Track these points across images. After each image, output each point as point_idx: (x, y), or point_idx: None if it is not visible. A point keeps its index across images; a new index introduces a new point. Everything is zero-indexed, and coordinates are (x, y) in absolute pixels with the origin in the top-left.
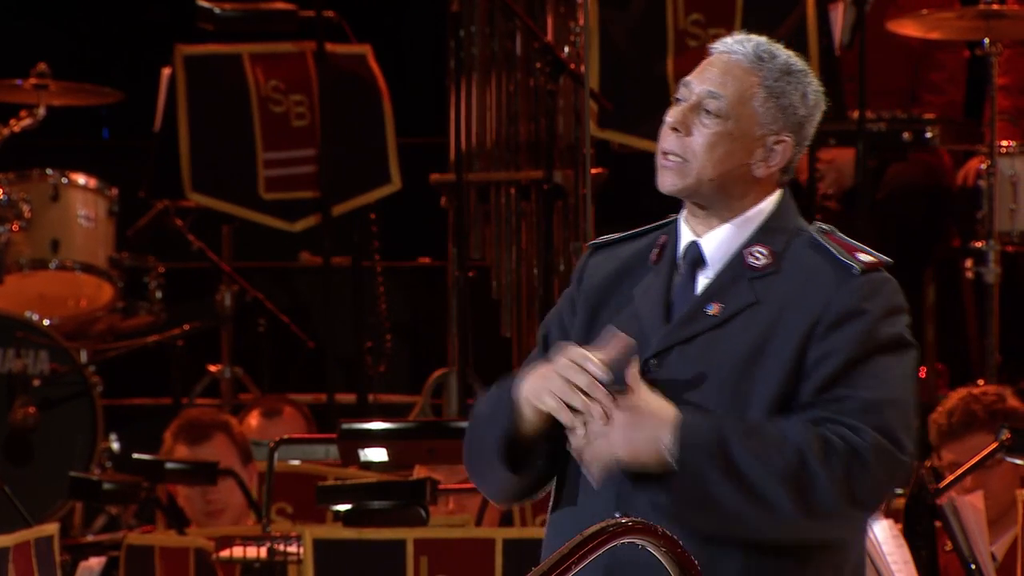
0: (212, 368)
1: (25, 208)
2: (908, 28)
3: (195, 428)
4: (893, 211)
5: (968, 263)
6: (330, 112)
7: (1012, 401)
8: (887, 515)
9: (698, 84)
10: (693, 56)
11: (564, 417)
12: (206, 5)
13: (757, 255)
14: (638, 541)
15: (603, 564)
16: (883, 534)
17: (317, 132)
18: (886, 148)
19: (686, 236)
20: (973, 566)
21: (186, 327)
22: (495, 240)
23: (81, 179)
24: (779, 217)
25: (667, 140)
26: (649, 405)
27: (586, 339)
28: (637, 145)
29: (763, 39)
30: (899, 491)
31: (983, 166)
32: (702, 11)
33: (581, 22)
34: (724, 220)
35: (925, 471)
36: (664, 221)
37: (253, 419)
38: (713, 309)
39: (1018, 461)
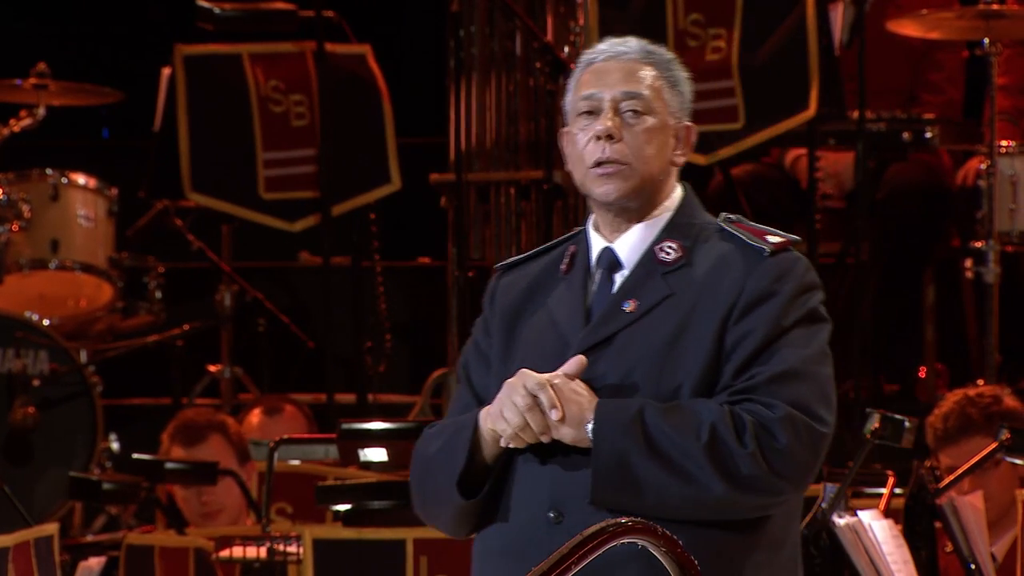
0: (212, 368)
1: (25, 208)
2: (908, 28)
3: (190, 429)
4: (893, 211)
5: (968, 263)
6: (330, 112)
7: (1009, 401)
8: (887, 515)
9: (607, 91)
10: (692, 56)
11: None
12: (206, 5)
13: (667, 250)
14: (638, 541)
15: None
16: (883, 534)
17: (317, 132)
18: (886, 148)
19: (597, 244)
20: (973, 566)
21: (186, 327)
22: (495, 240)
23: (81, 179)
24: (684, 212)
25: (602, 150)
26: (577, 394)
27: (505, 359)
28: None
29: (632, 38)
30: (898, 491)
31: (983, 166)
32: (702, 11)
33: (581, 22)
34: (639, 220)
35: (925, 471)
36: (568, 235)
37: (254, 417)
38: (629, 306)
39: (1017, 461)
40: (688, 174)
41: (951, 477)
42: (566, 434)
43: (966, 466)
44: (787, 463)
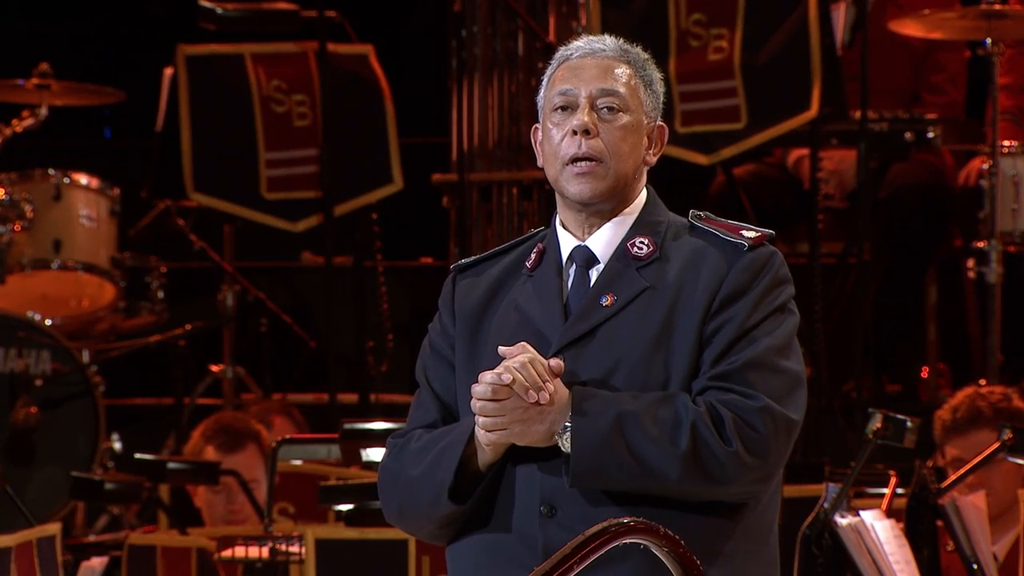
0: (214, 368)
1: (27, 208)
2: (910, 28)
3: (231, 434)
4: (895, 211)
5: (970, 263)
6: (332, 112)
7: (1018, 402)
8: (889, 515)
9: (584, 88)
10: (694, 56)
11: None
12: (208, 5)
13: (640, 246)
14: (639, 541)
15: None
16: (885, 534)
17: (319, 132)
18: (888, 148)
19: (567, 242)
20: (975, 566)
21: (188, 327)
22: (497, 240)
23: (83, 179)
24: (651, 211)
25: (578, 145)
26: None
27: (472, 360)
28: None
29: (609, 36)
30: (900, 490)
31: (985, 166)
32: (704, 11)
33: (583, 22)
34: (609, 219)
35: (927, 471)
36: (527, 235)
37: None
38: (607, 300)
39: (1019, 461)
40: (690, 174)
41: (953, 476)
42: (537, 442)
43: (966, 467)
44: (767, 451)
